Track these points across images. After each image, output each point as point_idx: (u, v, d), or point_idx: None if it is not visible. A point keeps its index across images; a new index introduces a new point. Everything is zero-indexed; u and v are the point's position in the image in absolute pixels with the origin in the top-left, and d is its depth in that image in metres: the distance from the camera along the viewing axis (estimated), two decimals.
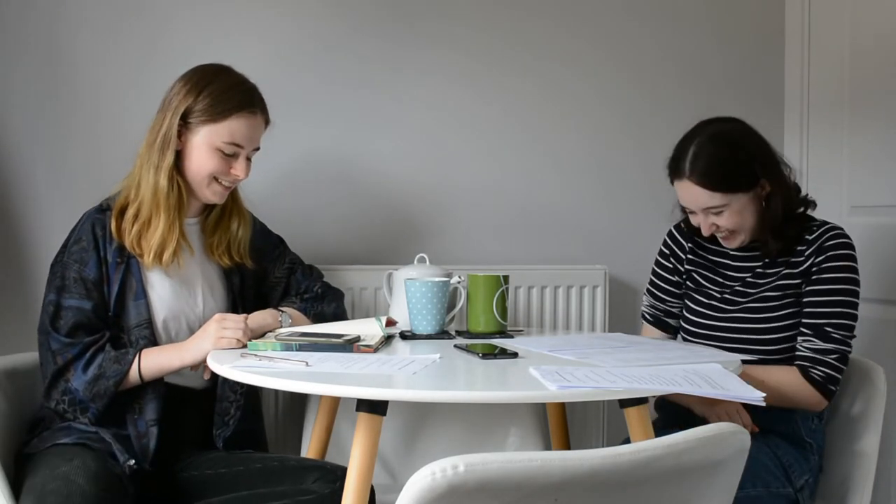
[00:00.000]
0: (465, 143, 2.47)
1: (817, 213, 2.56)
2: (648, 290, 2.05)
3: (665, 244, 2.02)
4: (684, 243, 1.98)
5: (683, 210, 1.91)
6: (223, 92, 1.72)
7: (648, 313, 2.04)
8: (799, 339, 1.77)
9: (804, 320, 1.77)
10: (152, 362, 1.65)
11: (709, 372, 1.42)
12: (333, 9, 2.38)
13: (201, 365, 1.66)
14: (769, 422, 1.78)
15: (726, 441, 1.12)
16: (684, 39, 2.59)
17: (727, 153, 1.76)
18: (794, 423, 1.80)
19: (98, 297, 1.67)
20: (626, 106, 2.52)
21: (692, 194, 1.78)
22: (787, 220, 1.79)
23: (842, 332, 1.74)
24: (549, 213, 2.52)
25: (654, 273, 2.03)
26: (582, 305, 2.40)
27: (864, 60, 2.38)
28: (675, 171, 1.81)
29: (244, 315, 1.70)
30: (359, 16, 2.39)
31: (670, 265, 2.00)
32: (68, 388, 1.62)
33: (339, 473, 1.58)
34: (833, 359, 1.74)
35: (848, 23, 2.42)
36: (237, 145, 1.73)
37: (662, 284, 2.01)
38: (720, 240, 1.86)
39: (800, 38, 2.60)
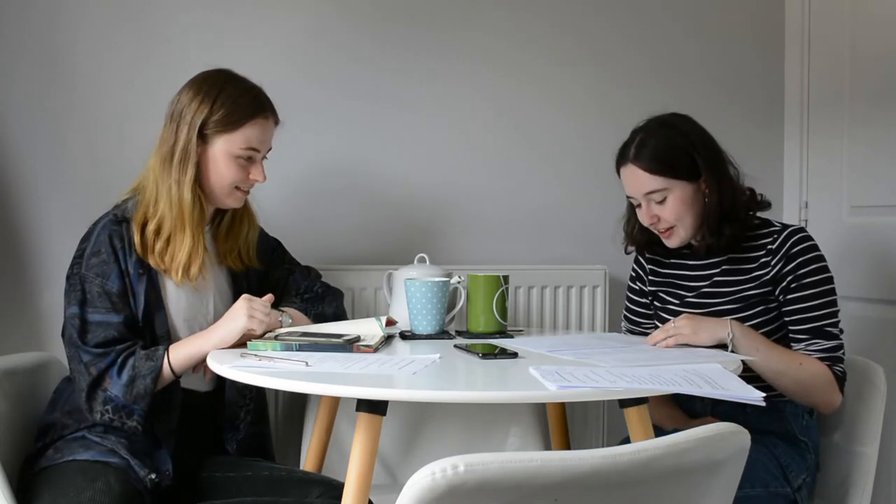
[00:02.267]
0: (465, 143, 2.47)
1: (817, 213, 2.58)
2: (624, 315, 2.07)
3: (632, 269, 2.05)
4: (645, 265, 2.01)
5: (629, 219, 1.95)
6: (236, 100, 1.72)
7: None
8: (800, 345, 1.76)
9: (798, 326, 1.77)
10: (181, 353, 1.64)
11: (709, 372, 1.42)
12: (334, 11, 2.38)
13: (201, 366, 1.66)
14: (762, 422, 1.79)
15: (726, 441, 1.12)
16: (684, 40, 2.59)
17: (670, 140, 1.81)
18: (786, 421, 1.81)
19: (126, 309, 1.65)
20: (625, 107, 2.51)
21: (635, 178, 1.81)
22: (725, 219, 1.80)
23: (838, 328, 1.77)
24: (549, 214, 2.52)
25: (627, 298, 2.06)
26: (582, 305, 2.40)
27: (864, 61, 2.38)
28: (621, 157, 1.85)
29: (268, 296, 1.69)
30: (359, 18, 2.39)
31: (637, 288, 2.03)
32: (108, 396, 1.61)
33: (342, 490, 1.59)
34: (841, 354, 1.76)
35: (848, 23, 2.43)
36: (254, 149, 1.74)
37: (635, 308, 2.04)
38: (661, 237, 1.86)
39: (800, 38, 2.60)
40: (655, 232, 1.87)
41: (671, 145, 1.80)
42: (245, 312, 1.63)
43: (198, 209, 1.70)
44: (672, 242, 1.85)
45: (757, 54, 2.64)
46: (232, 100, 1.71)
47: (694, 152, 1.79)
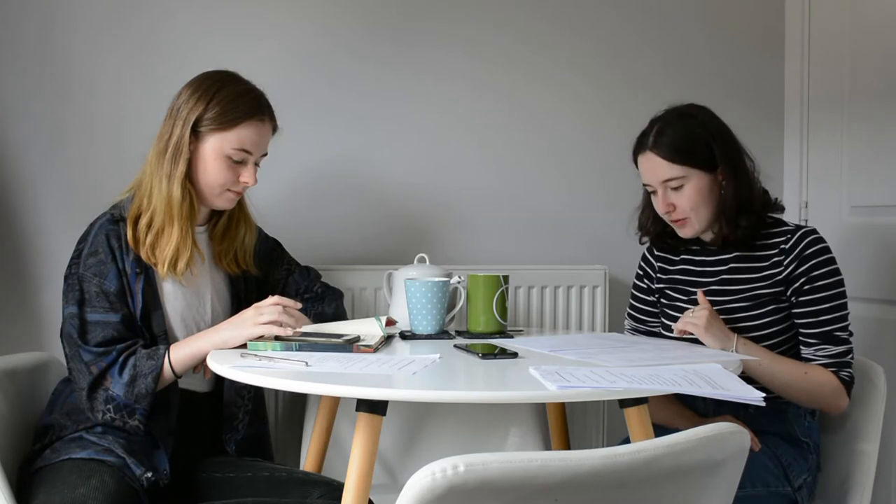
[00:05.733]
0: (465, 143, 2.47)
1: (817, 213, 2.57)
2: (629, 313, 2.07)
3: (639, 266, 2.05)
4: (654, 263, 2.00)
5: (643, 210, 1.95)
6: (232, 100, 1.72)
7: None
8: (810, 349, 1.76)
9: (809, 330, 1.76)
10: (182, 353, 1.64)
11: (709, 372, 1.42)
12: (334, 9, 2.38)
13: (201, 366, 1.66)
14: (764, 423, 1.79)
15: (726, 441, 1.12)
16: (684, 40, 2.59)
17: (689, 129, 1.81)
18: (788, 422, 1.81)
19: (124, 309, 1.65)
20: (626, 106, 2.52)
21: (653, 165, 1.81)
22: (742, 211, 1.80)
23: (847, 332, 1.76)
24: (549, 213, 2.52)
25: (632, 296, 2.06)
26: (582, 305, 2.40)
27: (864, 61, 2.38)
28: (639, 146, 1.85)
29: (275, 298, 1.67)
30: (359, 16, 2.39)
31: (644, 286, 2.02)
32: (109, 395, 1.61)
33: (343, 490, 1.59)
34: (850, 359, 1.76)
35: (848, 23, 2.42)
36: (246, 151, 1.73)
37: (640, 306, 2.03)
38: (675, 226, 1.85)
39: (800, 38, 2.60)
40: (669, 222, 1.86)
41: (689, 134, 1.80)
42: (253, 322, 1.62)
43: (187, 205, 1.70)
44: (685, 232, 1.85)
45: (757, 54, 2.64)
46: (229, 99, 1.72)
47: (712, 143, 1.79)
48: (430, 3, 2.43)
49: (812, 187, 2.59)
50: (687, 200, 1.79)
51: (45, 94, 2.21)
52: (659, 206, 1.84)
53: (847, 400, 1.75)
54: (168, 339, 1.70)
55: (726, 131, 1.83)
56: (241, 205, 1.85)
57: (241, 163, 1.74)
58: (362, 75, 2.39)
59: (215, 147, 1.71)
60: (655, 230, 1.95)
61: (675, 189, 1.80)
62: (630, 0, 2.56)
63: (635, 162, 1.87)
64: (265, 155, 1.81)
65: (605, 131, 2.54)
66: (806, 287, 1.76)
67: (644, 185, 1.88)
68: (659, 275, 1.99)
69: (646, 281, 2.02)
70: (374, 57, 2.40)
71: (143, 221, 1.69)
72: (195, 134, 1.71)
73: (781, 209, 1.87)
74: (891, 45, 2.28)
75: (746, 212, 1.80)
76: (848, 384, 1.74)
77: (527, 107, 2.50)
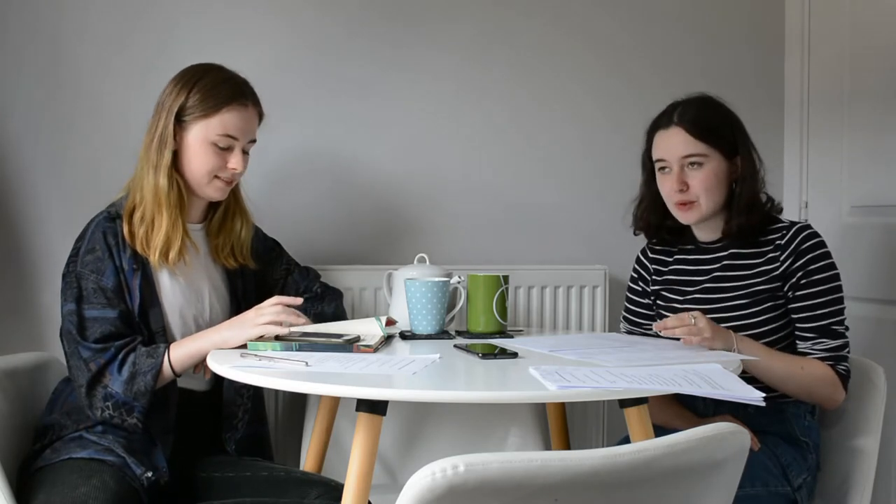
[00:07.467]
0: (465, 143, 2.47)
1: (817, 213, 2.57)
2: (624, 316, 2.06)
3: (634, 269, 2.04)
4: (649, 265, 2.00)
5: (640, 202, 1.94)
6: (214, 87, 1.73)
7: None
8: (806, 343, 1.76)
9: (805, 324, 1.77)
10: (182, 352, 1.64)
11: (709, 372, 1.42)
12: (330, 9, 2.38)
13: (201, 366, 1.66)
14: (764, 422, 1.79)
15: (726, 441, 1.12)
16: (684, 40, 2.59)
17: (715, 111, 1.85)
18: (788, 422, 1.81)
19: (122, 305, 1.66)
20: (625, 106, 2.52)
21: (676, 141, 1.80)
22: (751, 207, 1.81)
23: (843, 326, 1.77)
24: (549, 214, 2.52)
25: (627, 299, 2.05)
26: (582, 305, 2.40)
27: (864, 61, 2.38)
28: (661, 122, 1.85)
29: (275, 298, 1.67)
30: (354, 16, 2.39)
31: (639, 288, 2.02)
32: (108, 392, 1.61)
33: (341, 491, 1.59)
34: (846, 352, 1.76)
35: (848, 23, 2.42)
36: (231, 137, 1.73)
37: (636, 309, 2.03)
38: (679, 211, 1.84)
39: (800, 38, 2.60)
40: (674, 206, 1.84)
41: (716, 117, 1.83)
42: (253, 322, 1.62)
43: (175, 193, 1.71)
44: (688, 217, 1.84)
45: (757, 54, 2.64)
46: (210, 86, 1.72)
47: (734, 130, 1.82)
48: (428, 2, 2.43)
49: (812, 187, 2.59)
50: (702, 182, 1.79)
51: (49, 96, 2.21)
52: (671, 184, 1.82)
53: (843, 394, 1.75)
54: (166, 335, 1.70)
55: (744, 128, 1.86)
56: (236, 198, 1.86)
57: (228, 149, 1.75)
58: (363, 75, 2.39)
59: (200, 135, 1.72)
60: (654, 221, 1.94)
61: (694, 168, 1.80)
62: (631, 1, 2.56)
63: (649, 140, 1.87)
64: (254, 142, 1.80)
65: (605, 131, 2.53)
66: (803, 281, 1.76)
67: (658, 161, 1.85)
68: (654, 276, 1.99)
69: (641, 283, 2.02)
70: (375, 57, 2.39)
71: (137, 215, 1.70)
72: (180, 124, 1.72)
73: (780, 210, 1.88)
74: (891, 45, 2.28)
75: (755, 206, 1.81)
76: (844, 378, 1.75)
77: (526, 107, 2.50)
